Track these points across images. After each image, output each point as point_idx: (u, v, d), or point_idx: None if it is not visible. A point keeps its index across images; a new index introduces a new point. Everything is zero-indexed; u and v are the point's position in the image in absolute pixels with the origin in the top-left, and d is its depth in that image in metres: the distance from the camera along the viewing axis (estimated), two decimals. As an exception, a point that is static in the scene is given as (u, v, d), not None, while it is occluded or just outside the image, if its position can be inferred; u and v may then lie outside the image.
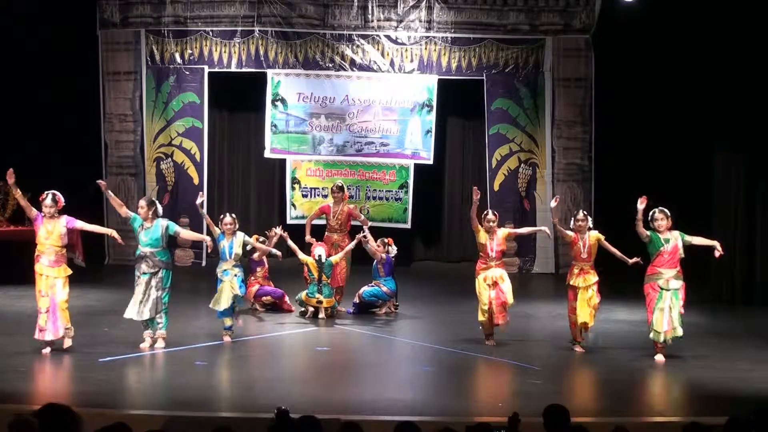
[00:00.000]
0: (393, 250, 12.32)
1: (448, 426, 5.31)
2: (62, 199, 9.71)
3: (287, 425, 5.35)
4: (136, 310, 9.87)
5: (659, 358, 9.90)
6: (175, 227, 10.09)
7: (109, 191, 10.24)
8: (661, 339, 9.88)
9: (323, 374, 9.48)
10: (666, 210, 9.99)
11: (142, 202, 10.04)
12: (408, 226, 16.05)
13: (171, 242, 10.46)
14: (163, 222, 9.96)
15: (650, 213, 10.03)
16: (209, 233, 11.01)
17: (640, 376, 9.57)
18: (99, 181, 10.33)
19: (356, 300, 12.08)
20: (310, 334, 11.18)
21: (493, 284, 10.35)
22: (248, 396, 8.43)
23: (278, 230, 12.06)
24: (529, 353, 10.22)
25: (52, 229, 9.61)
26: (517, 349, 10.34)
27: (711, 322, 11.87)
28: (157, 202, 10.25)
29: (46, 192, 9.71)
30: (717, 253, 10.05)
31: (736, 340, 11.09)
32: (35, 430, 4.66)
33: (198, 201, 10.69)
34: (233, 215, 10.61)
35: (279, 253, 11.31)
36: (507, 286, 10.41)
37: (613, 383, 9.23)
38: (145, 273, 9.88)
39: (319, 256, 11.67)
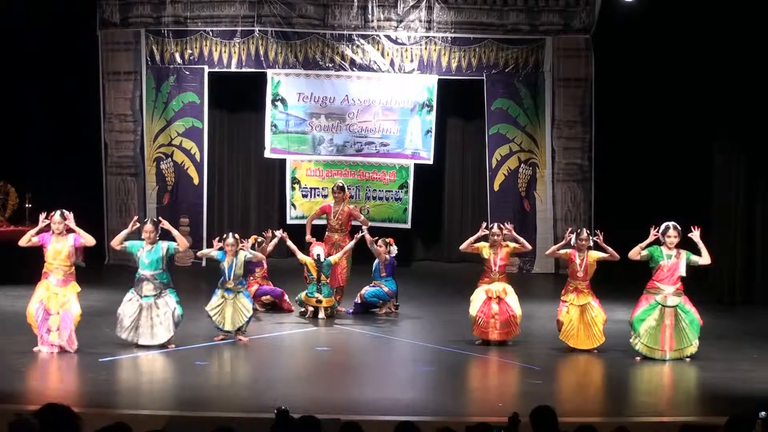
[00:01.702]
0: (394, 250, 12.32)
1: (448, 426, 5.32)
2: (70, 216, 9.74)
3: (287, 425, 5.35)
4: (148, 333, 9.86)
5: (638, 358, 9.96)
6: (174, 244, 10.13)
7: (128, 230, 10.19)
8: (657, 356, 9.87)
9: (323, 374, 9.49)
10: (679, 227, 10.02)
11: (149, 226, 10.05)
12: (408, 226, 16.04)
13: (170, 265, 10.45)
14: (163, 244, 10.01)
15: (663, 227, 10.03)
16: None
17: (640, 376, 9.57)
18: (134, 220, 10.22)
19: (358, 300, 12.08)
20: (310, 334, 11.19)
21: (497, 299, 10.34)
22: (248, 396, 8.44)
23: (278, 233, 12.08)
24: (529, 353, 10.23)
25: (60, 248, 9.65)
26: (517, 349, 10.35)
27: (711, 323, 11.83)
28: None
29: (54, 210, 9.74)
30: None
31: (736, 340, 11.10)
32: (35, 430, 4.65)
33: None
34: (236, 236, 10.60)
35: (277, 234, 11.56)
36: (512, 299, 10.40)
37: (613, 383, 9.23)
38: (147, 296, 9.88)
39: (318, 255, 11.67)
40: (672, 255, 9.95)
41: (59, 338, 9.55)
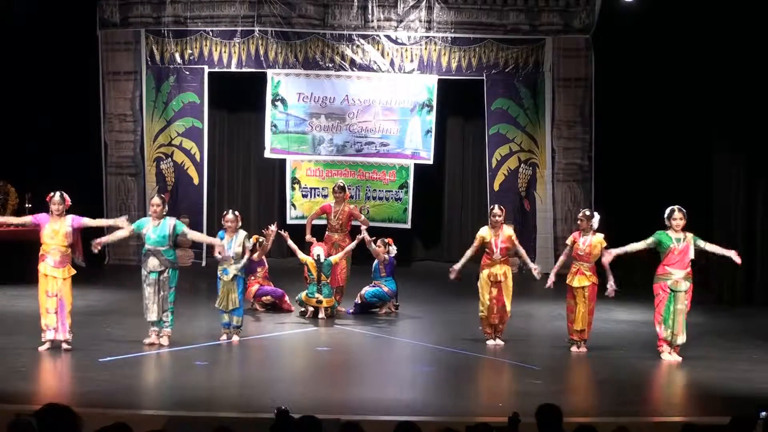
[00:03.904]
0: (393, 250, 12.32)
1: (448, 426, 5.31)
2: (69, 199, 9.74)
3: (287, 425, 5.35)
4: (153, 310, 9.90)
5: (670, 357, 9.89)
6: (183, 228, 10.11)
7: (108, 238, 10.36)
8: (679, 341, 9.87)
9: (323, 374, 9.48)
10: (684, 210, 9.98)
11: (157, 200, 10.10)
12: (408, 226, 16.06)
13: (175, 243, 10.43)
14: (170, 221, 9.99)
15: (668, 211, 9.97)
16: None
17: (640, 376, 9.57)
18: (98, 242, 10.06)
19: (358, 300, 12.07)
20: (310, 334, 11.18)
21: (496, 282, 10.33)
22: (248, 396, 8.43)
23: (273, 227, 12.10)
24: (529, 353, 10.22)
25: (58, 228, 9.62)
26: (517, 349, 10.34)
27: (711, 322, 11.86)
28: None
29: (53, 191, 9.73)
30: (737, 260, 10.00)
31: (736, 340, 11.09)
32: (35, 430, 4.65)
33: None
34: (236, 213, 10.56)
35: (272, 229, 11.42)
36: (508, 289, 10.38)
37: (613, 383, 9.22)
38: (153, 272, 9.88)
39: (318, 256, 11.67)
40: (681, 238, 9.90)
41: (56, 321, 9.54)
